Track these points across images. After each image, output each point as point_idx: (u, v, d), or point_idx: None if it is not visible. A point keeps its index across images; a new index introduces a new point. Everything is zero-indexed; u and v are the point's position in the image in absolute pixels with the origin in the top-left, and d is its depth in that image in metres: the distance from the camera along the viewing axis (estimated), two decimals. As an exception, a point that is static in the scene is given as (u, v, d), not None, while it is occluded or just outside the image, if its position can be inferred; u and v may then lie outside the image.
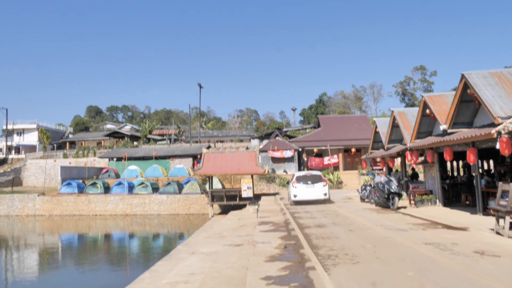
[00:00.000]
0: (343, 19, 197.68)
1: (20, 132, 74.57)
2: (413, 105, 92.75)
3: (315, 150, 44.96)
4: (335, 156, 44.71)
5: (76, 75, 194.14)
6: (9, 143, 70.07)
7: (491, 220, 11.13)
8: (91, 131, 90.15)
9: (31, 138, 73.82)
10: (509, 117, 10.58)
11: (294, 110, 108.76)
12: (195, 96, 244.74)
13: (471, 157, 12.08)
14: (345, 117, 57.52)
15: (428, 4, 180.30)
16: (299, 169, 44.10)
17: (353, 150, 43.70)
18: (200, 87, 65.83)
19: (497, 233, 9.78)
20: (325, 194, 21.89)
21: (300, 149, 44.72)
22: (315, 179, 22.15)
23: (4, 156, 65.90)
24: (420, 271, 6.35)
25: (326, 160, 44.47)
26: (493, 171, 20.21)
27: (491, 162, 22.31)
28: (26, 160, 57.87)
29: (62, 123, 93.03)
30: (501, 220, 9.78)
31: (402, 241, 9.24)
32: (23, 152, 71.22)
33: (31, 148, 72.07)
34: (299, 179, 22.30)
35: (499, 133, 10.20)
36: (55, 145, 71.41)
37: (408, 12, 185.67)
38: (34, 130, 73.35)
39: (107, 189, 37.38)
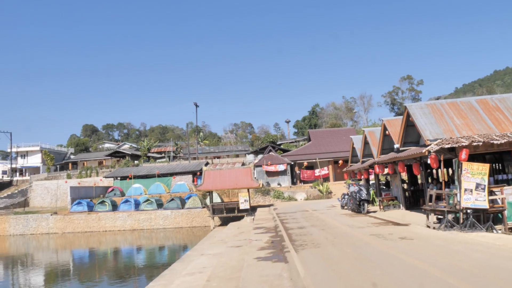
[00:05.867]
0: (329, 27, 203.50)
1: (24, 154, 77.24)
2: (402, 114, 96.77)
3: (305, 163, 48.51)
4: (325, 168, 48.32)
5: (70, 93, 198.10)
6: (13, 166, 73.02)
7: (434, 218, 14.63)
8: (91, 151, 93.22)
9: (35, 160, 76.47)
10: (435, 139, 14.12)
11: (288, 122, 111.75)
12: (189, 111, 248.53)
13: (415, 170, 15.66)
14: (334, 130, 61.09)
15: (413, 10, 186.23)
16: (292, 182, 47.54)
17: (340, 162, 47.22)
18: (196, 106, 69.24)
19: (427, 226, 13.34)
20: None
21: (292, 163, 48.20)
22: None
23: (9, 178, 68.70)
24: (355, 249, 9.94)
25: (317, 172, 48.03)
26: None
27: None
28: (31, 181, 60.59)
29: (62, 144, 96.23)
30: (430, 216, 13.37)
31: (355, 234, 12.79)
32: (27, 174, 74.01)
33: (35, 170, 74.72)
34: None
35: (429, 152, 13.77)
36: (58, 166, 74.46)
37: (393, 19, 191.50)
38: (38, 152, 76.02)
39: (114, 206, 40.45)
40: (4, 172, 75.75)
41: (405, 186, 23.86)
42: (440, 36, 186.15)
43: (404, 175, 25.41)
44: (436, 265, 7.72)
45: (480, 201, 12.45)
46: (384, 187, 24.74)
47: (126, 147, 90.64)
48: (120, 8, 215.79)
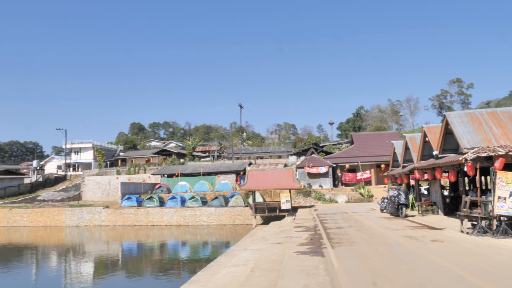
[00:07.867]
0: (377, 28, 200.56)
1: (77, 150, 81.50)
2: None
3: (347, 166, 48.95)
4: (368, 171, 48.56)
5: (119, 91, 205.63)
6: (67, 161, 77.27)
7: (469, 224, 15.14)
8: (139, 149, 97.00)
9: (87, 156, 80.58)
10: (473, 148, 14.63)
11: (331, 124, 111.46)
12: (233, 111, 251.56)
13: (452, 176, 16.18)
14: (377, 133, 61.01)
15: (464, 14, 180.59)
16: (334, 184, 48.11)
17: (382, 166, 47.28)
18: (241, 107, 70.65)
19: (461, 231, 13.91)
20: None
21: (334, 165, 48.75)
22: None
23: (64, 173, 72.78)
24: (387, 248, 10.82)
25: (359, 175, 48.38)
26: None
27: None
28: (84, 176, 64.07)
29: (111, 141, 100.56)
30: (464, 222, 13.94)
31: (390, 235, 13.60)
32: (79, 169, 78.07)
33: (87, 166, 78.65)
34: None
35: (465, 160, 14.32)
36: (108, 162, 78.12)
37: (443, 22, 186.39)
38: (90, 149, 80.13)
39: (161, 202, 42.50)
40: (59, 167, 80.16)
41: (446, 192, 24.13)
42: (494, 40, 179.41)
43: (447, 182, 25.61)
44: (458, 264, 8.51)
45: (513, 208, 12.92)
46: (425, 192, 25.10)
47: (172, 145, 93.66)
48: (175, 5, 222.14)
